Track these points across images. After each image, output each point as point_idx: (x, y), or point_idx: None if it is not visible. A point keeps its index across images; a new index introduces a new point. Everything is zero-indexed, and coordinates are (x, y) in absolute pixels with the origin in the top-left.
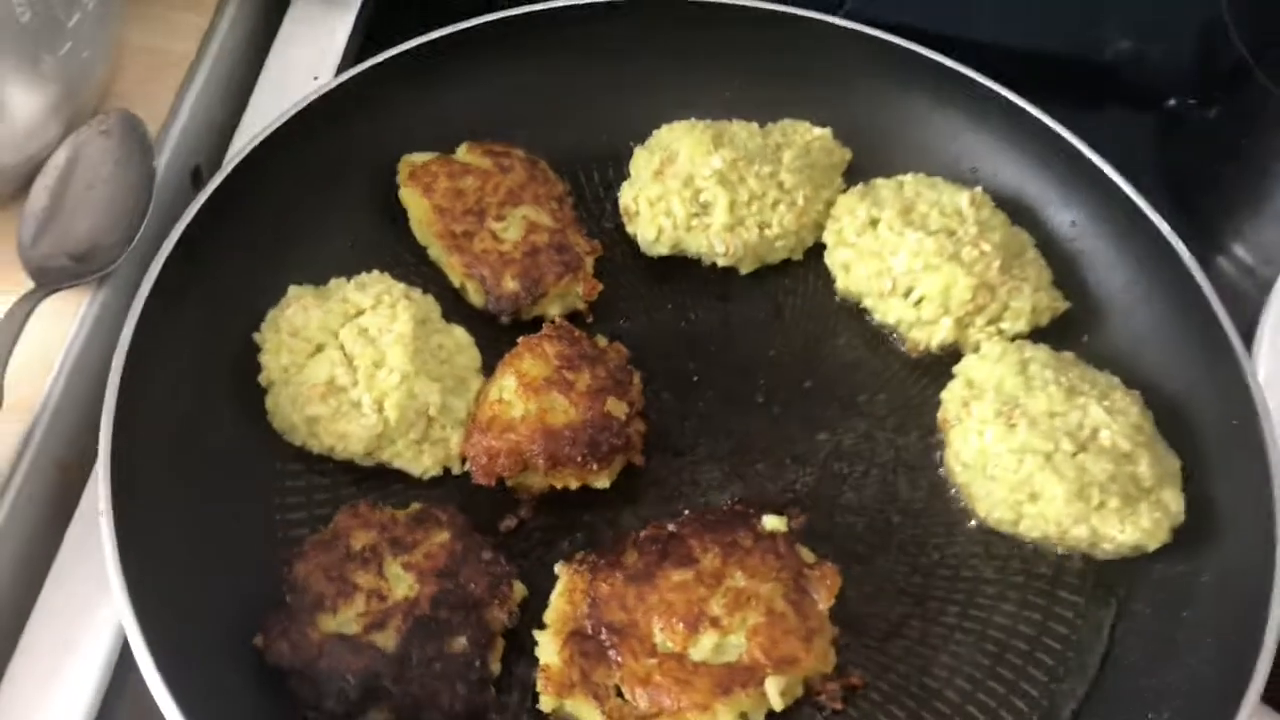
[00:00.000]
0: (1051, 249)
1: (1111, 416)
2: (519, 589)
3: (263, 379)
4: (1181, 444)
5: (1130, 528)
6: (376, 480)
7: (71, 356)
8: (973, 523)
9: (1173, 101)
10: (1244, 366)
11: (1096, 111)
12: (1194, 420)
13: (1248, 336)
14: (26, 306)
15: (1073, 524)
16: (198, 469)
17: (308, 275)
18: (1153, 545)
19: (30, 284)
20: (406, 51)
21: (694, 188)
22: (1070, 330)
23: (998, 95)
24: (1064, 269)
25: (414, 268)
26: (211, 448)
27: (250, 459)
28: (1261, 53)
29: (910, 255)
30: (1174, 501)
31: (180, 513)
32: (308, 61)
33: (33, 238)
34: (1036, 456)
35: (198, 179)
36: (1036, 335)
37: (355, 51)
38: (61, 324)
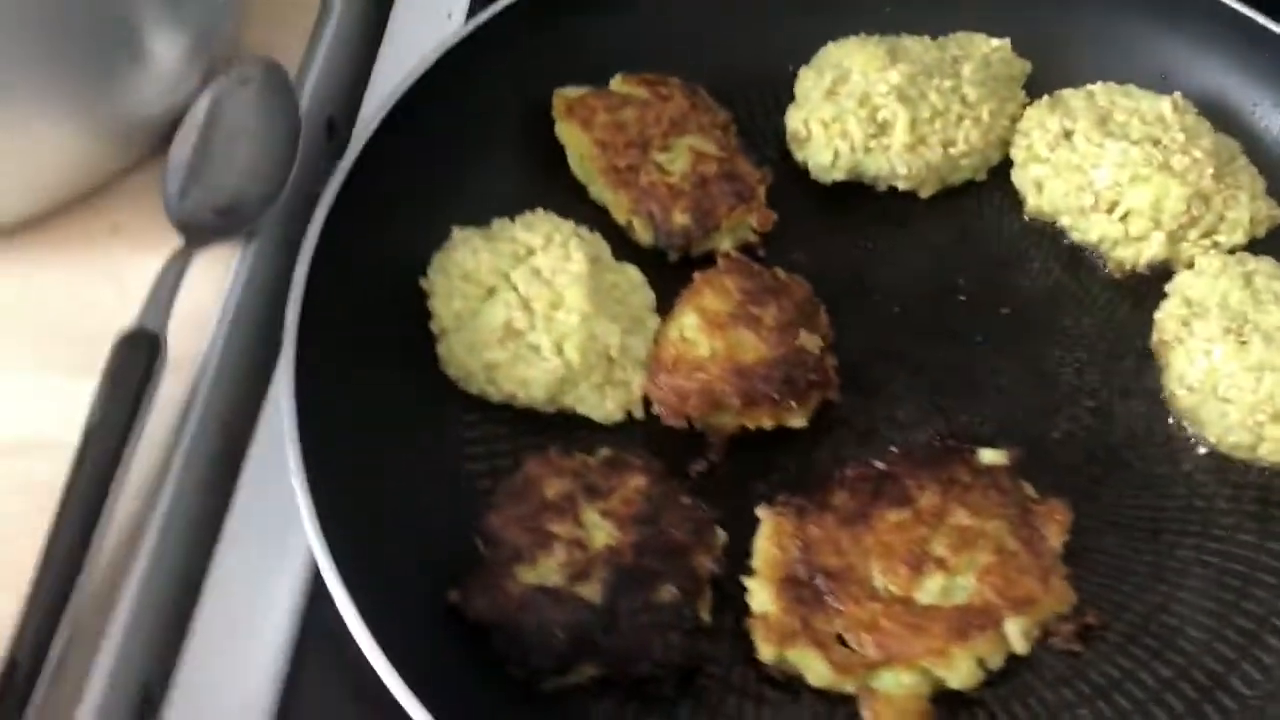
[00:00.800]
0: (1261, 158)
1: None
2: (719, 535)
3: (434, 326)
4: None
5: None
6: (559, 428)
7: (229, 314)
8: (1201, 449)
9: None
10: None
11: None
12: None
13: None
14: (180, 263)
15: None
16: (378, 424)
17: (469, 218)
18: None
19: (179, 240)
20: None
21: (871, 106)
22: None
23: None
24: (1276, 176)
25: (574, 207)
26: (388, 402)
27: (428, 409)
28: None
29: (1115, 167)
30: None
31: (365, 469)
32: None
33: (179, 193)
34: (1275, 373)
35: (333, 130)
36: (1253, 249)
37: None
38: (212, 281)
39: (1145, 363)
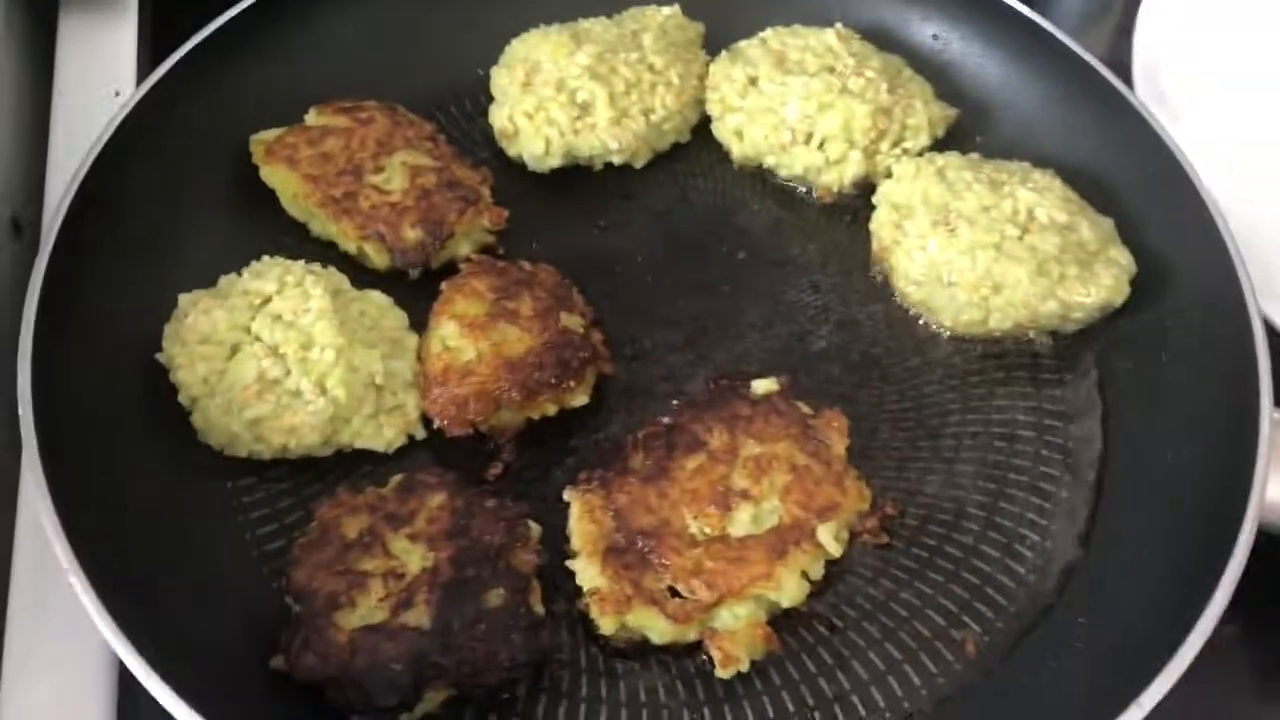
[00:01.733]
0: (922, 67)
1: (1040, 195)
2: (535, 529)
3: (183, 398)
4: (1105, 207)
5: (1095, 289)
6: (342, 469)
7: None
8: (943, 334)
9: None
10: (1144, 114)
11: None
12: (1109, 181)
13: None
14: None
15: (1041, 301)
16: (150, 513)
17: (195, 283)
18: (1119, 300)
19: None
20: (212, 36)
21: (568, 90)
22: (962, 137)
23: None
24: (939, 82)
25: (298, 248)
26: (155, 489)
27: (198, 485)
28: None
29: (801, 100)
30: (1122, 255)
31: (149, 561)
32: (100, 77)
33: None
34: (987, 250)
35: (18, 229)
36: (936, 148)
37: (149, 56)
38: None
39: (872, 271)
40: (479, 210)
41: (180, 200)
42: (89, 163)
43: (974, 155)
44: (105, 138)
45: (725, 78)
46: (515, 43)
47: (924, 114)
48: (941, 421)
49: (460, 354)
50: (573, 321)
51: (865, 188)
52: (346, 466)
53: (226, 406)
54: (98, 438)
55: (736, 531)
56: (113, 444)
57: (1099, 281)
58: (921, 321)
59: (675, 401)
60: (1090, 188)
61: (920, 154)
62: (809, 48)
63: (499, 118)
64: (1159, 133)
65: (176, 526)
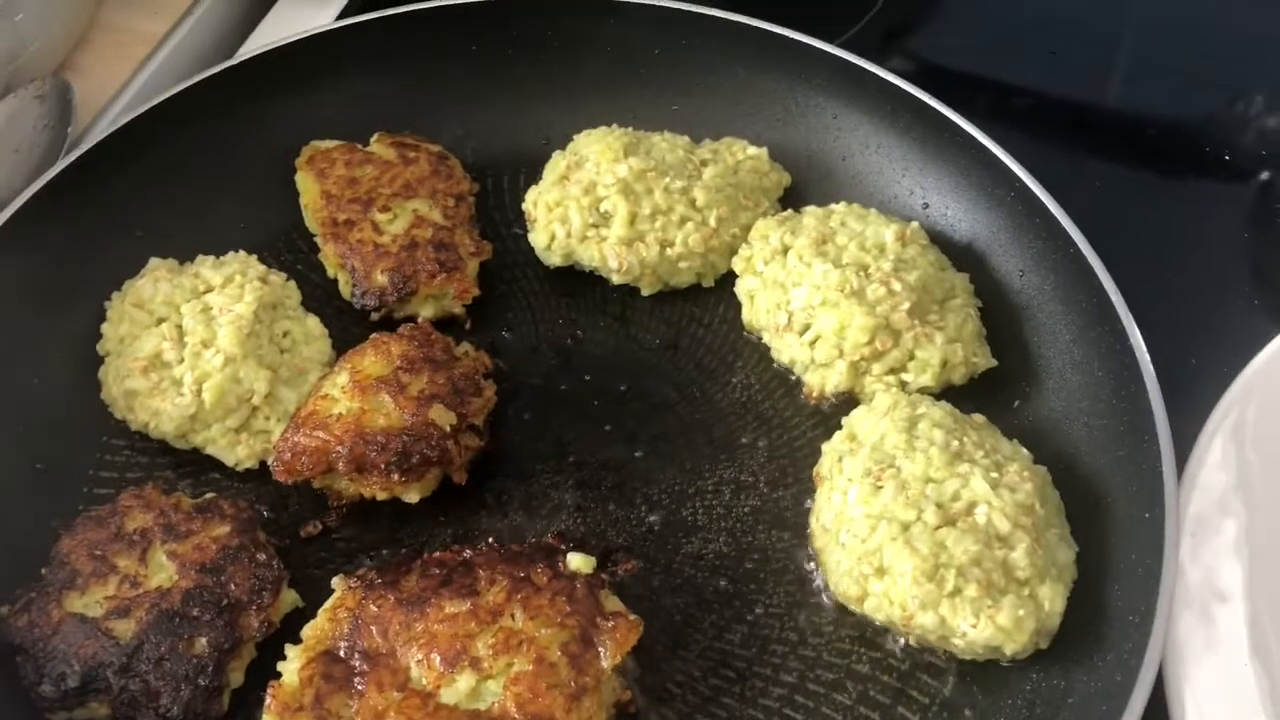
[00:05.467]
0: (997, 301)
1: (996, 491)
2: (290, 597)
3: (100, 348)
4: (1087, 531)
5: (985, 622)
6: (194, 466)
7: None
8: (826, 596)
9: None
10: (1165, 459)
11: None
12: (1105, 507)
13: (1182, 437)
14: None
15: (919, 608)
16: (21, 424)
17: (188, 252)
18: (1010, 648)
19: None
20: (325, 33)
21: (595, 196)
22: (1002, 391)
23: (952, 124)
24: (1006, 324)
25: (304, 255)
26: (43, 411)
27: (78, 428)
28: None
29: (811, 288)
30: (1050, 599)
31: None
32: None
33: None
34: (892, 524)
35: None
36: (956, 394)
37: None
38: None
39: (805, 495)
40: (451, 279)
41: (222, 171)
42: (152, 103)
43: (980, 417)
44: (183, 85)
45: (762, 237)
46: (583, 134)
47: (939, 351)
48: (765, 688)
49: (332, 405)
50: (444, 418)
51: (850, 404)
52: (200, 467)
53: (119, 369)
54: (20, 340)
55: (447, 697)
56: (30, 352)
57: (994, 616)
58: (811, 567)
59: (491, 539)
60: (1085, 507)
61: (919, 394)
62: (859, 236)
63: (529, 199)
64: (1168, 491)
65: (39, 446)
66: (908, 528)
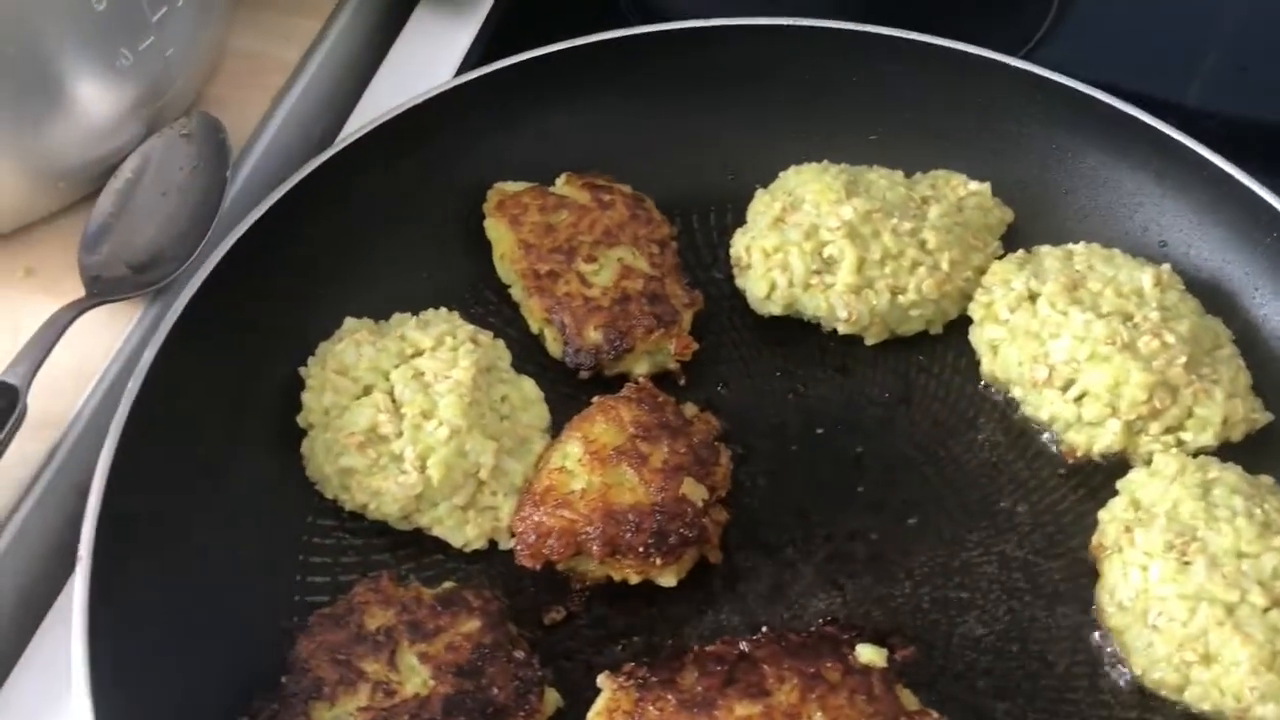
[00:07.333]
0: (1254, 348)
1: None
2: (552, 698)
3: (301, 419)
4: None
5: None
6: (414, 548)
7: (111, 373)
8: (1125, 678)
9: None
10: None
11: None
12: None
13: None
14: (69, 315)
15: (1258, 700)
16: (214, 515)
17: (373, 307)
18: None
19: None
20: (506, 68)
21: (817, 240)
22: (1271, 449)
23: (1198, 156)
24: (1269, 373)
25: (495, 308)
26: (234, 492)
27: (278, 509)
28: None
29: (1074, 340)
30: None
31: (182, 565)
32: (422, 74)
33: (93, 243)
34: (1216, 607)
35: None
36: (1226, 452)
37: (476, 63)
38: (108, 337)
39: (1081, 566)
40: (669, 334)
41: (404, 218)
42: (333, 150)
43: (1268, 479)
44: (365, 130)
45: (1004, 281)
46: (792, 170)
47: (1220, 407)
48: None
49: (570, 480)
50: (696, 493)
51: (1118, 464)
52: (419, 548)
53: (330, 445)
54: (208, 416)
55: None
56: (219, 428)
57: None
58: (1111, 651)
59: (765, 628)
60: None
61: (1199, 453)
62: (1114, 282)
63: (739, 244)
64: None
65: (237, 536)
66: (1233, 610)
